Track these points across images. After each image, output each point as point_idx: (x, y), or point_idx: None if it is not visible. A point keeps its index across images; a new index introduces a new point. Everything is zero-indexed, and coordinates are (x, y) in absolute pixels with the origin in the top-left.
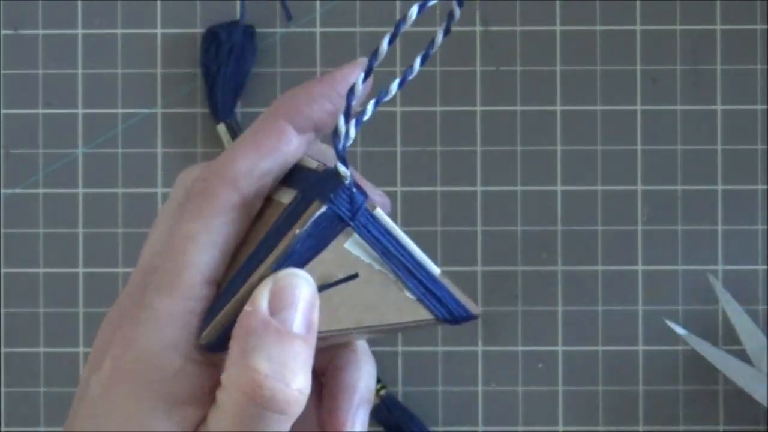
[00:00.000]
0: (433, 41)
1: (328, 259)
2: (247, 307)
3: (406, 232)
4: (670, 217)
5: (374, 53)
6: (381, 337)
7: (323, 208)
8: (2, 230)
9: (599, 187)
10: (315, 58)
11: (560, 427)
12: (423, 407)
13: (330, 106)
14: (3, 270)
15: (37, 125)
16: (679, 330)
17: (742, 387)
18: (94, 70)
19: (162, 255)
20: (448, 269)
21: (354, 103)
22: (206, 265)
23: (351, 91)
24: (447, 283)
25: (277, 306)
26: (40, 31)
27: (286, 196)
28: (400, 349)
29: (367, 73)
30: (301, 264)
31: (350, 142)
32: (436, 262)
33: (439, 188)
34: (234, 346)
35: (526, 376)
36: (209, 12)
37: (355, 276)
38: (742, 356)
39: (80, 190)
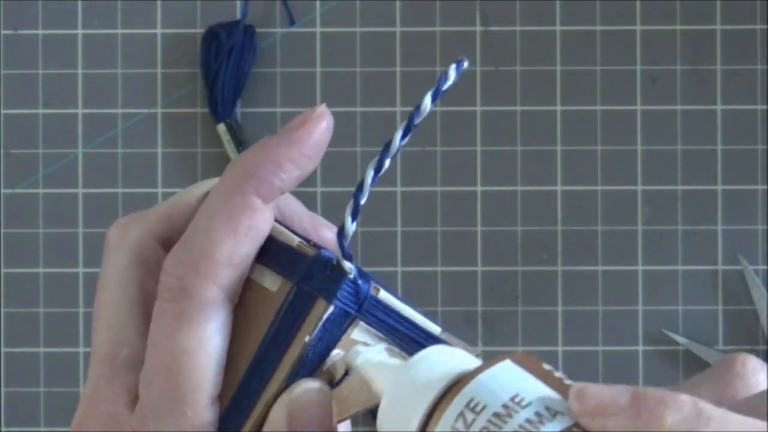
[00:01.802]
0: (418, 107)
1: (335, 352)
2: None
3: (404, 234)
4: (670, 217)
5: (385, 147)
6: None
7: (331, 309)
8: (2, 230)
9: (599, 187)
10: (315, 58)
11: None
12: None
13: (298, 173)
14: (3, 270)
15: (37, 125)
16: (679, 338)
17: None
18: (94, 70)
19: (154, 372)
20: (448, 269)
21: (363, 201)
22: (208, 384)
23: (360, 187)
24: (446, 337)
25: (297, 427)
26: (40, 31)
27: (267, 280)
28: None
29: (378, 170)
30: (313, 370)
31: (349, 237)
32: (435, 264)
33: (439, 188)
34: None
35: None
36: (209, 12)
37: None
38: None
39: (80, 190)
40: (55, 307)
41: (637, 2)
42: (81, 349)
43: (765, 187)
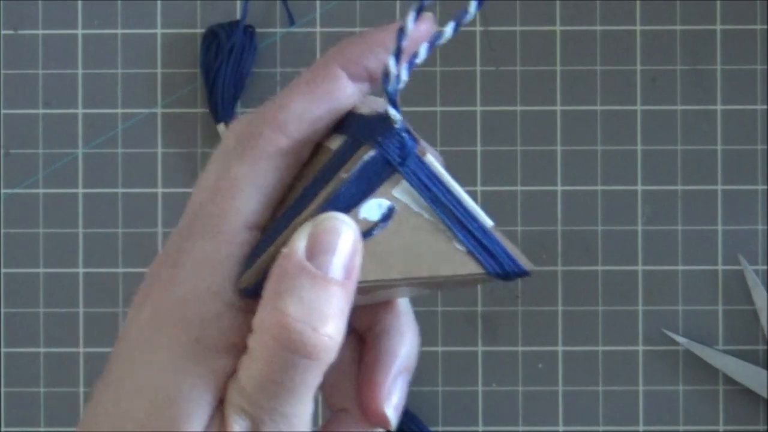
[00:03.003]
0: None
1: (374, 202)
2: (284, 250)
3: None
4: (670, 217)
5: None
6: (428, 292)
7: (372, 152)
8: (2, 230)
9: (599, 187)
10: (315, 58)
11: (560, 427)
12: (423, 407)
13: (387, 57)
14: (3, 270)
15: (37, 125)
16: (679, 338)
17: (746, 386)
18: (94, 70)
19: (206, 198)
20: None
21: (405, 43)
22: (250, 210)
23: (401, 31)
24: (499, 236)
25: (315, 249)
26: (40, 31)
27: (336, 143)
28: None
29: (419, 11)
30: (347, 209)
31: (401, 84)
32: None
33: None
34: (267, 288)
35: (526, 376)
36: (209, 12)
37: (390, 213)
38: (742, 356)
39: (80, 190)
40: (55, 307)
41: (637, 2)
42: (81, 349)
43: (765, 187)
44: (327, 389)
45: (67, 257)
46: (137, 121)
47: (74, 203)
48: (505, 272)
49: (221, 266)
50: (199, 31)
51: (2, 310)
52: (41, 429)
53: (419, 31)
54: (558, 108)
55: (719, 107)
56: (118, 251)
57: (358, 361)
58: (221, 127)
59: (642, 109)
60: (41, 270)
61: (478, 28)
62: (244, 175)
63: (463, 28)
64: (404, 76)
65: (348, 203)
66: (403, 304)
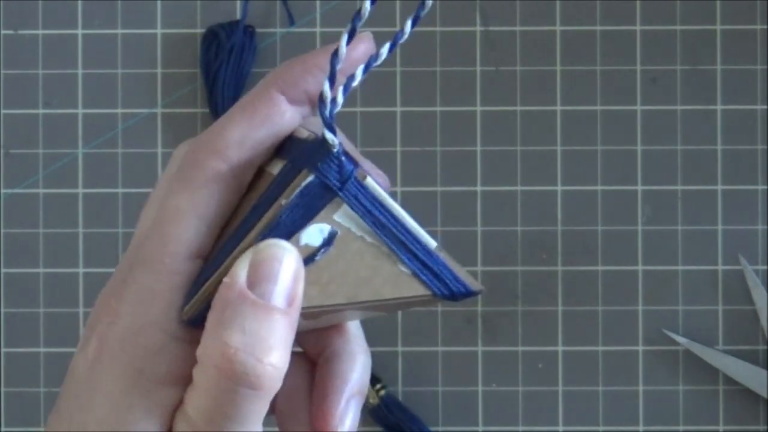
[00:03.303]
0: (423, 2)
1: (315, 227)
2: (225, 279)
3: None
4: (670, 217)
5: (357, 14)
6: (376, 315)
7: (310, 177)
8: (2, 230)
9: (599, 187)
10: None
11: (560, 427)
12: (423, 407)
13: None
14: (3, 270)
15: (37, 125)
16: (679, 338)
17: (746, 386)
18: (94, 70)
19: (148, 229)
20: None
21: (340, 67)
22: (192, 239)
23: (335, 54)
24: (444, 256)
25: (257, 278)
26: (40, 31)
27: (276, 168)
28: (400, 349)
29: (351, 35)
30: (287, 236)
31: (337, 108)
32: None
33: (439, 188)
34: (210, 319)
35: (526, 376)
36: (209, 12)
37: (332, 238)
38: (742, 356)
39: (80, 190)
40: (55, 307)
41: (637, 2)
42: None
43: (765, 187)
44: (279, 415)
45: (67, 257)
46: (137, 121)
47: (74, 203)
48: (452, 293)
49: (163, 297)
50: (199, 31)
51: (2, 310)
52: (41, 429)
53: (356, 52)
54: (558, 108)
55: (719, 107)
56: (118, 251)
57: (309, 385)
58: None
59: (642, 109)
60: (41, 270)
61: (478, 28)
62: (185, 203)
63: (463, 28)
64: (340, 99)
65: (289, 230)
66: (353, 327)
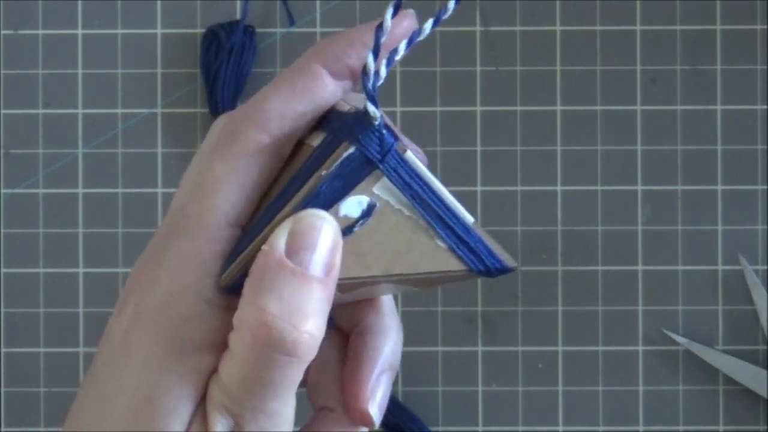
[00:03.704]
0: None
1: (354, 199)
2: (264, 247)
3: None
4: (670, 217)
5: None
6: (412, 290)
7: (351, 149)
8: (2, 230)
9: (599, 187)
10: None
11: (560, 427)
12: (423, 407)
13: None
14: (3, 270)
15: (37, 125)
16: (679, 338)
17: (746, 386)
18: (94, 70)
19: (188, 197)
20: None
21: (384, 39)
22: (231, 207)
23: (380, 27)
24: (481, 233)
25: (295, 246)
26: (40, 31)
27: (317, 140)
28: None
29: (396, 8)
30: (327, 206)
31: (381, 81)
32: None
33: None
34: (247, 286)
35: (526, 376)
36: (209, 12)
37: (371, 210)
38: (742, 356)
39: (80, 190)
40: (55, 307)
41: (637, 2)
42: (81, 349)
43: (765, 187)
44: (310, 387)
45: (67, 257)
46: (137, 121)
47: (74, 203)
48: (488, 269)
49: (202, 264)
50: (199, 31)
51: (2, 310)
52: (41, 429)
53: (399, 28)
54: (558, 108)
55: (719, 107)
56: (118, 251)
57: (341, 359)
58: None
59: (642, 109)
60: (41, 270)
61: (478, 28)
62: (225, 173)
63: (463, 28)
64: (383, 73)
65: (328, 200)
66: (387, 302)
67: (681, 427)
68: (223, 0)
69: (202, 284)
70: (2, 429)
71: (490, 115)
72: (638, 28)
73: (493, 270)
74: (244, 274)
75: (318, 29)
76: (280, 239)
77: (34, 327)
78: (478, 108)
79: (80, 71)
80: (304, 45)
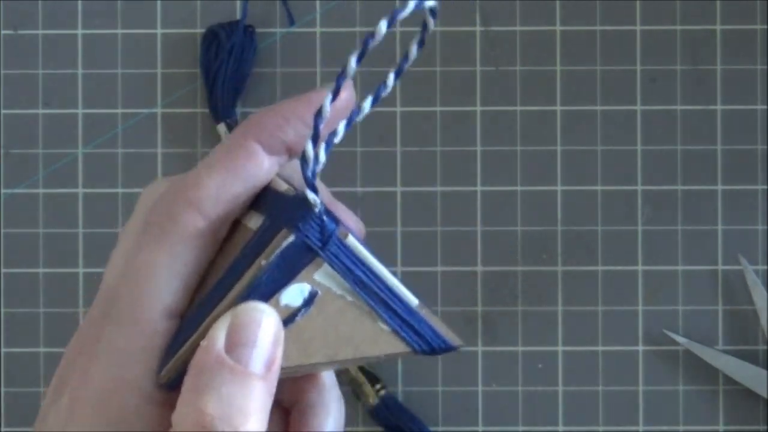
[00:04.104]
0: (407, 55)
1: (295, 287)
2: (203, 342)
3: (404, 234)
4: (670, 217)
5: (342, 72)
6: (351, 367)
7: (291, 238)
8: (2, 230)
9: (599, 187)
10: (315, 58)
11: (560, 427)
12: (423, 407)
13: (304, 129)
14: (3, 270)
15: (37, 125)
16: (680, 339)
17: (746, 386)
18: (94, 70)
19: (121, 284)
20: (448, 269)
21: (323, 125)
22: (167, 297)
23: (319, 112)
24: (425, 313)
25: (235, 342)
26: (40, 31)
27: (255, 221)
28: None
29: (335, 93)
30: (267, 296)
31: (320, 166)
32: (435, 265)
33: (439, 188)
34: (186, 384)
35: (526, 376)
36: (209, 12)
37: (313, 298)
38: (742, 356)
39: (80, 190)
40: (55, 307)
41: (637, 2)
42: None
43: (765, 187)
44: None
45: (67, 257)
46: (137, 121)
47: (74, 203)
48: (432, 349)
49: (137, 358)
50: (199, 31)
51: (2, 310)
52: None
53: (338, 101)
54: (558, 108)
55: (719, 107)
56: None
57: None
58: (221, 127)
59: (642, 109)
60: (41, 270)
61: (478, 28)
62: (159, 259)
63: (463, 28)
64: (322, 157)
65: (268, 290)
66: (328, 377)
67: (681, 427)
68: (223, 0)
69: (139, 378)
70: (2, 429)
71: (490, 115)
72: (638, 28)
73: (438, 349)
74: (183, 369)
75: (318, 29)
76: (219, 334)
77: (34, 327)
78: (478, 108)
79: (80, 71)
80: (304, 45)
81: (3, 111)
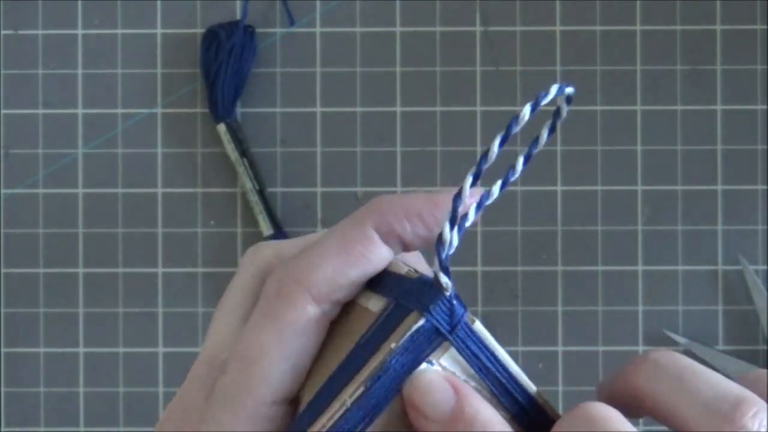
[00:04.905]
0: (536, 139)
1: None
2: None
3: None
4: (670, 217)
5: (484, 155)
6: None
7: (421, 321)
8: (2, 230)
9: (599, 187)
10: (315, 58)
11: None
12: None
13: (424, 232)
14: (3, 270)
15: (37, 125)
16: (679, 338)
17: None
18: (94, 70)
19: (230, 362)
20: None
21: (460, 209)
22: (278, 383)
23: (458, 196)
24: (542, 402)
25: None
26: (40, 31)
27: (372, 302)
28: None
29: (476, 177)
30: (397, 381)
31: (453, 250)
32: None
33: (439, 188)
34: None
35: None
36: (209, 12)
37: None
38: (742, 356)
39: (80, 190)
40: (55, 307)
41: (637, 2)
42: (81, 349)
43: (765, 187)
44: None
45: (67, 257)
46: (137, 121)
47: (74, 203)
48: None
49: None
50: (199, 31)
51: (2, 310)
52: (41, 429)
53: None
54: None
55: (719, 107)
56: (118, 251)
57: None
58: (221, 127)
59: (642, 109)
60: (41, 270)
61: (478, 28)
62: (272, 343)
63: (463, 28)
64: (455, 241)
65: (398, 374)
66: None
67: None
68: (223, 0)
69: None
70: (2, 429)
71: (490, 115)
72: (638, 28)
73: None
74: None
75: (318, 29)
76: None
77: (34, 327)
78: (478, 108)
79: (80, 71)
80: (304, 45)
81: (3, 111)
